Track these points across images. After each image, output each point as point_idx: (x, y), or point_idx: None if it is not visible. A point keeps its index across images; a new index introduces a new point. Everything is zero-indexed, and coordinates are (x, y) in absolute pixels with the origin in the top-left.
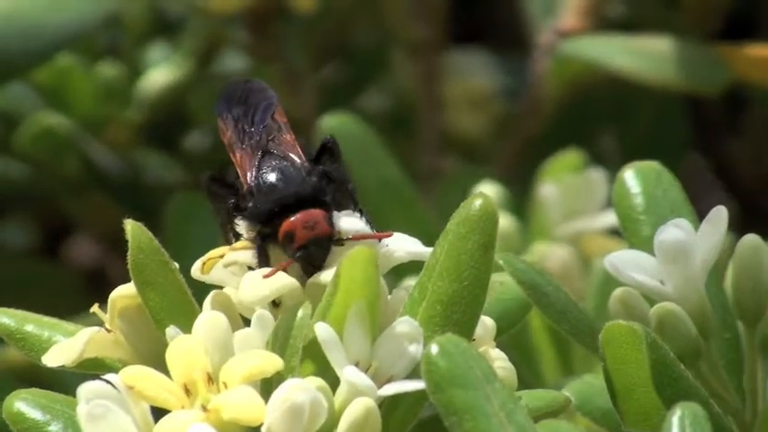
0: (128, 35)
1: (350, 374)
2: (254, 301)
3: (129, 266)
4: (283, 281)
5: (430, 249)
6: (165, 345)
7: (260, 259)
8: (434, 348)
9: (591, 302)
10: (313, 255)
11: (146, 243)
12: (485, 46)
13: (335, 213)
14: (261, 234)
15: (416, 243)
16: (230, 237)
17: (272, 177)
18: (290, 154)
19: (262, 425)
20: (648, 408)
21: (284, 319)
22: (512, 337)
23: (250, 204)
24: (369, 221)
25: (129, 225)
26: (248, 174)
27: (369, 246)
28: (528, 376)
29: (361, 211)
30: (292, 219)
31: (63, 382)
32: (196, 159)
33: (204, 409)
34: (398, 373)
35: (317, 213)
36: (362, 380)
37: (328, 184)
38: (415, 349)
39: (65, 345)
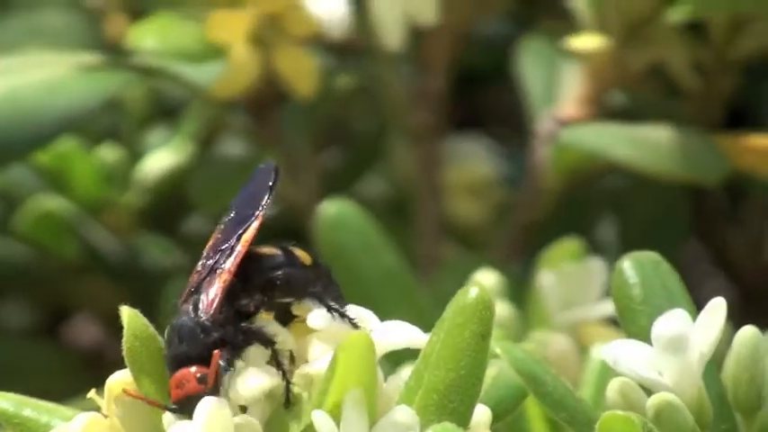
0: (128, 119)
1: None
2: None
3: (124, 354)
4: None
5: (426, 336)
6: (162, 431)
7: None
8: None
9: (588, 391)
10: (190, 412)
11: (141, 330)
12: (485, 132)
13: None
14: None
15: (413, 330)
16: None
17: (172, 332)
18: (204, 299)
19: None
20: None
21: (280, 406)
22: (508, 426)
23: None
24: (345, 316)
25: (126, 312)
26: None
27: (364, 331)
28: None
29: (329, 308)
30: (173, 377)
31: None
32: (195, 243)
33: None
34: None
35: (187, 373)
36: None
37: (245, 335)
38: None
39: (62, 430)
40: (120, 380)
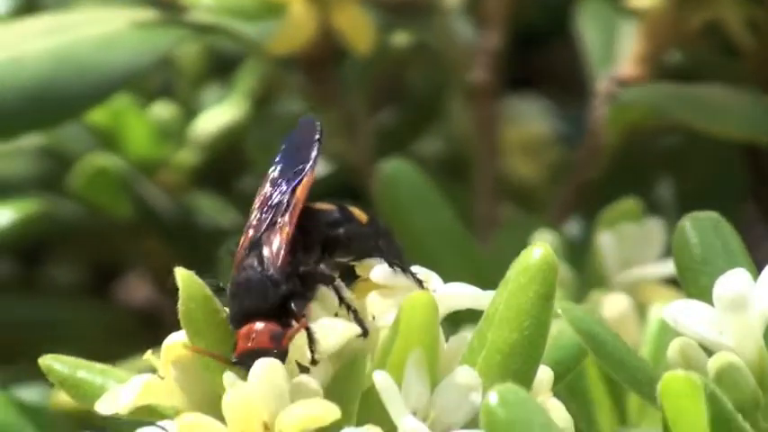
0: (182, 76)
1: (408, 424)
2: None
3: (180, 316)
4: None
5: (488, 295)
6: (219, 393)
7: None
8: (493, 397)
9: (647, 351)
10: (249, 366)
11: (196, 292)
12: (541, 92)
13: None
14: None
15: (475, 290)
16: None
17: (237, 287)
18: (268, 253)
19: None
20: None
21: (342, 367)
22: (568, 386)
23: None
24: (408, 272)
25: (180, 273)
26: (237, 262)
27: (427, 291)
28: (584, 425)
29: (392, 264)
30: (239, 331)
31: (117, 426)
32: (250, 202)
33: None
34: (457, 422)
35: (257, 327)
36: (421, 429)
37: (305, 283)
38: (474, 399)
39: (118, 392)
40: (177, 342)
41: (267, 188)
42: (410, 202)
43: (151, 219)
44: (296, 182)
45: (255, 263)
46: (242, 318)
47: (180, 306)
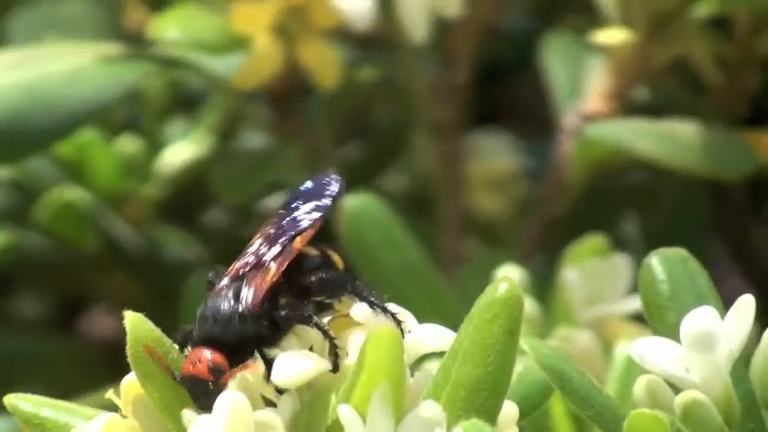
0: (147, 110)
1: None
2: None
3: (129, 359)
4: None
5: (452, 336)
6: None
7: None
8: None
9: (612, 388)
10: (190, 390)
11: (145, 334)
12: (507, 127)
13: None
14: None
15: (442, 331)
16: None
17: (205, 311)
18: (246, 291)
19: None
20: None
21: (308, 401)
22: (534, 423)
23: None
24: (387, 311)
25: (128, 316)
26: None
27: (392, 326)
28: None
29: (371, 303)
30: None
31: None
32: (215, 236)
33: None
34: None
35: (205, 355)
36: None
37: (277, 327)
38: None
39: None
40: (134, 381)
41: (269, 228)
42: (376, 238)
43: (117, 252)
44: (298, 230)
45: (231, 294)
46: (199, 341)
47: (128, 350)
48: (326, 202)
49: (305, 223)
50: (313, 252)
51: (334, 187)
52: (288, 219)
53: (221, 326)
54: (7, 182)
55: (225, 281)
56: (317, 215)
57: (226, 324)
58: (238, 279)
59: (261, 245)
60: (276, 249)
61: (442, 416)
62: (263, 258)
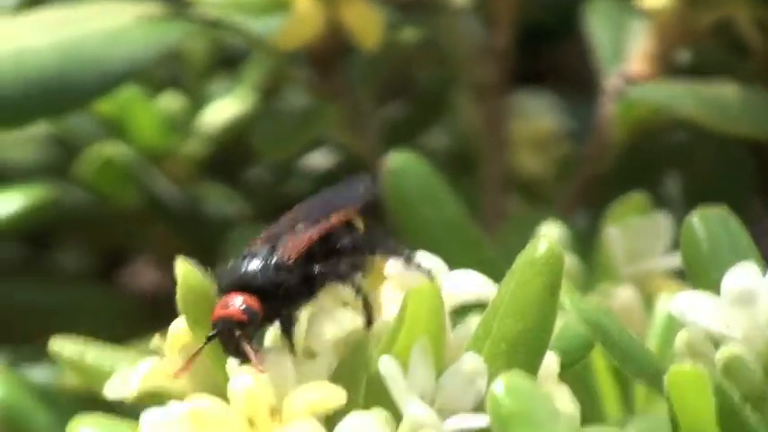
0: (189, 69)
1: (414, 409)
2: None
3: (178, 306)
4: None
5: (494, 288)
6: (225, 378)
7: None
8: (500, 386)
9: (653, 343)
10: (220, 333)
11: (195, 282)
12: (550, 88)
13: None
14: None
15: (483, 281)
16: None
17: (239, 260)
18: (285, 245)
19: None
20: None
21: (349, 353)
22: (575, 377)
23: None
24: (417, 264)
25: (179, 264)
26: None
27: (433, 280)
28: (591, 413)
29: (404, 257)
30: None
31: (124, 408)
32: (257, 193)
33: None
34: (463, 408)
35: (237, 298)
36: (427, 414)
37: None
38: (479, 385)
39: (126, 375)
40: (181, 327)
41: (309, 203)
42: (417, 195)
43: (158, 207)
44: (335, 208)
45: (266, 249)
46: (232, 286)
47: (178, 296)
48: (362, 192)
49: (340, 204)
50: (347, 218)
51: (370, 184)
52: (323, 201)
53: (256, 273)
54: (49, 138)
55: (260, 239)
56: (352, 201)
57: (261, 271)
58: (274, 239)
59: (298, 215)
60: (312, 221)
61: (484, 368)
62: (299, 226)
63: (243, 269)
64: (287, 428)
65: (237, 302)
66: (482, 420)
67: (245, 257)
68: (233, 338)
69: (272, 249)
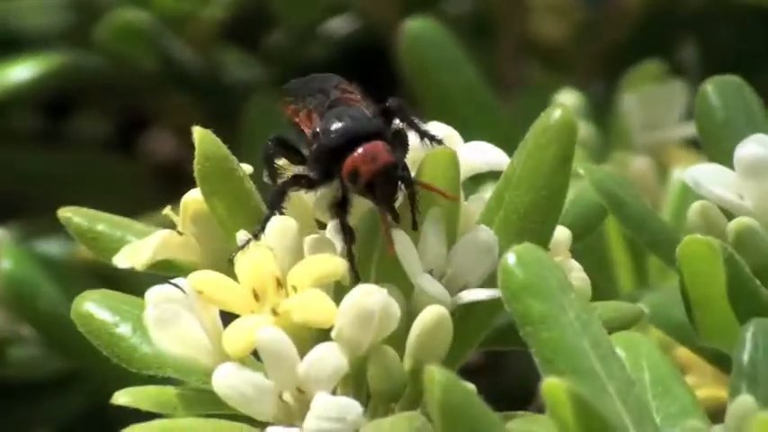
0: None
1: (423, 282)
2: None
3: (195, 174)
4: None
5: (507, 159)
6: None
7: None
8: (511, 258)
9: (668, 213)
10: (381, 187)
11: (213, 150)
12: None
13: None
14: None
15: (497, 152)
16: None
17: (337, 118)
18: (355, 104)
19: (332, 328)
20: (723, 322)
21: (361, 224)
22: (588, 246)
23: (315, 147)
24: (431, 137)
25: (197, 132)
26: (315, 122)
27: (448, 148)
28: (603, 285)
29: (418, 130)
30: (354, 155)
31: (137, 279)
32: (277, 58)
33: (274, 312)
34: (473, 281)
35: (377, 146)
36: (436, 287)
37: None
38: (490, 258)
39: (136, 246)
40: (195, 198)
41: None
42: (435, 61)
43: (176, 73)
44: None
45: (347, 108)
46: (351, 140)
47: (195, 164)
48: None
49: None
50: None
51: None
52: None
53: (362, 122)
54: (68, 3)
55: (321, 113)
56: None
57: (365, 119)
58: (333, 107)
59: (313, 97)
60: (332, 90)
61: (495, 240)
62: (335, 97)
63: (366, 121)
64: (294, 298)
65: (387, 150)
66: (493, 293)
67: (336, 113)
68: (395, 185)
69: (349, 106)
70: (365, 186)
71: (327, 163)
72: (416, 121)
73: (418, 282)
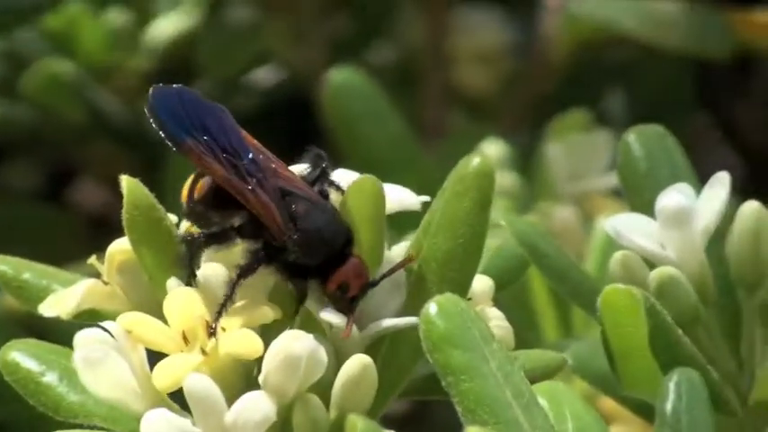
0: None
1: (326, 315)
2: None
3: (123, 223)
4: None
5: (420, 199)
6: (161, 300)
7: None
8: (433, 308)
9: (592, 263)
10: (358, 298)
11: (141, 199)
12: (495, 2)
13: None
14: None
15: (407, 192)
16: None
17: (317, 230)
18: (308, 192)
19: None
20: (646, 372)
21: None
22: (513, 297)
23: (293, 257)
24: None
25: (125, 180)
26: (281, 223)
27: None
28: (527, 335)
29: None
30: (344, 270)
31: (63, 329)
32: None
33: (203, 352)
34: (387, 315)
35: (361, 262)
36: (334, 318)
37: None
38: (398, 298)
39: (62, 295)
40: (121, 247)
41: (213, 153)
42: (359, 111)
43: (103, 123)
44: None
45: (313, 208)
46: (347, 246)
47: (123, 213)
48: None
49: (223, 115)
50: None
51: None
52: (205, 126)
53: (339, 234)
54: None
55: (279, 207)
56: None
57: (339, 229)
58: (288, 197)
59: (239, 165)
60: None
61: (403, 279)
62: (266, 168)
63: (334, 233)
64: (222, 336)
65: (364, 266)
66: (407, 320)
67: (313, 223)
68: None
69: (309, 200)
70: (351, 299)
71: (298, 267)
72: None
73: (321, 316)
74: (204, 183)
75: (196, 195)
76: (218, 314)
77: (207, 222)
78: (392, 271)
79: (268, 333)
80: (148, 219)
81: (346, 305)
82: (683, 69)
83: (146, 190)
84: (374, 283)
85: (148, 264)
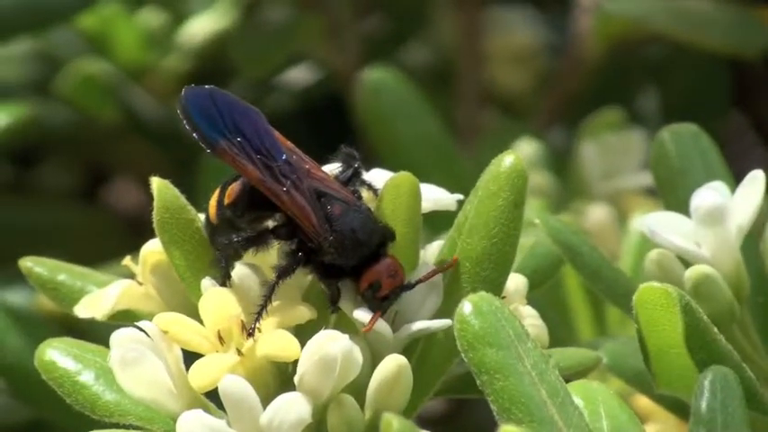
0: None
1: (358, 314)
2: None
3: (154, 225)
4: None
5: (455, 197)
6: (195, 302)
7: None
8: (467, 307)
9: (627, 262)
10: (392, 300)
11: (171, 201)
12: (528, 1)
13: None
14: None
15: (443, 192)
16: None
17: (352, 231)
18: (343, 193)
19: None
20: (681, 370)
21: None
22: (547, 296)
23: (329, 258)
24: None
25: (155, 182)
26: (316, 224)
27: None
28: (563, 334)
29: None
30: (376, 269)
31: (98, 329)
32: None
33: (239, 352)
34: (423, 317)
35: (395, 262)
36: (367, 317)
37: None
38: (437, 293)
39: (96, 296)
40: (154, 249)
41: (248, 155)
42: (394, 111)
43: (138, 123)
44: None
45: (349, 210)
46: (362, 262)
47: (154, 215)
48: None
49: (258, 119)
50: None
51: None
52: (240, 128)
53: (375, 234)
54: (31, 54)
55: (316, 208)
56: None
57: (375, 229)
58: (324, 198)
59: (275, 167)
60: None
61: (440, 281)
62: (301, 170)
63: (370, 233)
64: (258, 338)
65: (398, 266)
66: (442, 323)
67: (350, 224)
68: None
69: (345, 202)
70: (382, 299)
71: (333, 267)
72: (366, 179)
73: (354, 315)
74: (236, 186)
75: (226, 201)
76: (258, 315)
77: (236, 229)
78: (430, 276)
79: (302, 333)
80: (179, 220)
81: (378, 304)
82: (717, 68)
83: (176, 191)
84: (409, 287)
85: (180, 265)
